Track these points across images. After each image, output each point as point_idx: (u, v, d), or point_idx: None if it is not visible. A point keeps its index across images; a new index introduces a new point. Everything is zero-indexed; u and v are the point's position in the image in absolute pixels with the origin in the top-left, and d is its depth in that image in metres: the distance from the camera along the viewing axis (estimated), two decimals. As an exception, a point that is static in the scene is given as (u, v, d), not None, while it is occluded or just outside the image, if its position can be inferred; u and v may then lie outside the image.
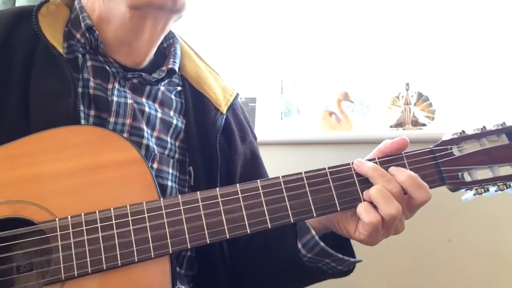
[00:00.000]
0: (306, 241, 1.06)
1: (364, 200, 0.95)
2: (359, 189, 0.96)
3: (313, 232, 1.05)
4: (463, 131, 1.00)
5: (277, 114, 2.46)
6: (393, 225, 0.95)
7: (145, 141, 1.11)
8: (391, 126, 2.12)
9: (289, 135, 2.22)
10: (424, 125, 2.09)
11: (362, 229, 0.95)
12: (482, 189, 0.96)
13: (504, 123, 0.99)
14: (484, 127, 0.99)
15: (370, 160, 0.99)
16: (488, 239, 1.82)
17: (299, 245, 1.07)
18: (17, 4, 2.02)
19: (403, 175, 0.94)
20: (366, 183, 0.96)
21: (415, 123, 2.09)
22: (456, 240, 1.86)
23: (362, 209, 0.94)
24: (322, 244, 1.04)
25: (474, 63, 2.18)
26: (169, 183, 1.13)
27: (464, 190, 0.98)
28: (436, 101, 2.11)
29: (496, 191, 0.96)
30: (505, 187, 0.95)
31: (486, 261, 1.82)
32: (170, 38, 1.28)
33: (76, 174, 0.93)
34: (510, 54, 2.09)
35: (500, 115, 1.97)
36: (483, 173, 0.98)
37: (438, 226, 1.86)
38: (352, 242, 1.08)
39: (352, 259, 1.07)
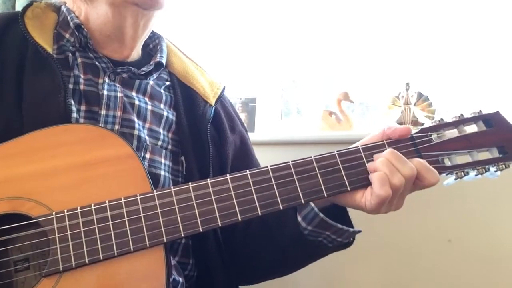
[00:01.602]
0: (306, 213, 1.09)
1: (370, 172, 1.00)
2: (344, 175, 0.99)
3: (312, 204, 1.07)
4: (442, 119, 1.03)
5: (277, 114, 2.45)
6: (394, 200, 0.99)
7: (136, 132, 1.14)
8: (391, 126, 2.12)
9: (289, 135, 2.21)
10: (424, 125, 2.09)
11: (372, 200, 0.98)
12: (462, 173, 0.99)
13: (480, 110, 1.02)
14: (462, 114, 1.03)
15: (353, 147, 1.03)
16: (488, 239, 1.81)
17: (299, 218, 1.10)
18: (17, 3, 2.06)
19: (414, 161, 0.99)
20: (351, 169, 1.00)
21: (415, 123, 2.08)
22: (456, 240, 1.86)
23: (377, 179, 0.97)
24: (321, 215, 1.07)
25: (474, 63, 2.18)
26: (162, 173, 1.16)
27: (445, 174, 1.01)
28: (436, 101, 2.11)
29: (476, 175, 0.99)
30: (484, 171, 0.99)
31: (486, 261, 1.80)
32: (156, 39, 1.34)
33: (73, 170, 0.96)
34: (510, 54, 2.10)
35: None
36: (462, 159, 1.00)
37: (438, 226, 1.86)
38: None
39: (351, 229, 1.10)
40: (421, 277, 1.88)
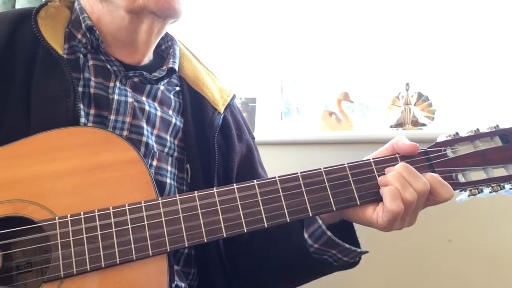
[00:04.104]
0: (313, 230, 1.06)
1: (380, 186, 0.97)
2: (354, 189, 0.97)
3: (320, 221, 1.05)
4: (457, 133, 1.01)
5: (277, 114, 2.46)
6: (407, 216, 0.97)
7: (144, 139, 1.12)
8: (391, 126, 2.11)
9: (289, 135, 2.22)
10: (424, 125, 2.08)
11: (384, 216, 0.95)
12: (476, 190, 0.97)
13: (497, 125, 1.00)
14: (478, 129, 1.01)
15: (364, 160, 1.00)
16: (488, 239, 1.81)
17: (306, 235, 1.08)
18: (17, 5, 2.03)
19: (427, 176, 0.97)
20: (361, 182, 0.98)
21: (415, 123, 2.09)
22: (456, 240, 1.86)
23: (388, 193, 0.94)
24: (329, 233, 1.04)
25: (474, 63, 2.18)
26: (168, 181, 1.14)
27: (458, 191, 0.99)
28: (436, 101, 2.11)
29: (490, 192, 0.97)
30: (498, 188, 0.96)
31: (486, 261, 1.81)
32: (169, 41, 1.31)
33: (76, 174, 0.94)
34: (510, 54, 2.10)
35: (500, 115, 1.98)
36: (477, 175, 0.99)
37: (438, 226, 1.85)
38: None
39: (358, 250, 1.07)
40: (421, 277, 1.89)
